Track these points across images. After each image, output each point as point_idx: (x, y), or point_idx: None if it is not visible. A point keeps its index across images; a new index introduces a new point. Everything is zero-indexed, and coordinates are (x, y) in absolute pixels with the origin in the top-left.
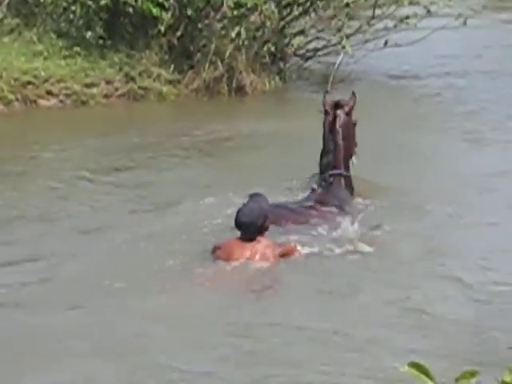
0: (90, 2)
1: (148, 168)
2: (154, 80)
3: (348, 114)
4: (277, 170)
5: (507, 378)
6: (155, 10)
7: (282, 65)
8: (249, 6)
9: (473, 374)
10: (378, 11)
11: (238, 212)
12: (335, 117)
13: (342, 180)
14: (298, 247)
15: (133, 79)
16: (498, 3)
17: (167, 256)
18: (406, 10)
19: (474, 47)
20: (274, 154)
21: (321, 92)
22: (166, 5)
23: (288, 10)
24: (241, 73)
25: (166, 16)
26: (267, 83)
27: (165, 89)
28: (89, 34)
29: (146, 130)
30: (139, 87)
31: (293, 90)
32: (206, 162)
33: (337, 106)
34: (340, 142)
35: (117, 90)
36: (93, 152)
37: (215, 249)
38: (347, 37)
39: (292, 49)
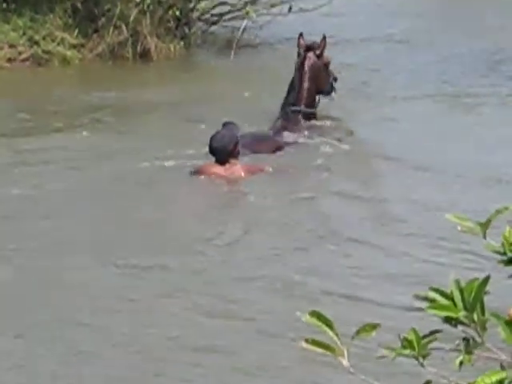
0: None
1: (49, 133)
2: (58, 44)
3: (319, 56)
4: (180, 135)
5: (410, 337)
6: None
7: (186, 30)
8: None
9: (374, 326)
10: None
11: (211, 139)
12: (305, 58)
13: (300, 116)
14: (267, 168)
15: (36, 43)
16: None
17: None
18: None
19: (379, 14)
20: (178, 119)
21: (225, 57)
22: None
23: None
24: (145, 37)
25: None
26: (172, 48)
27: (69, 53)
28: None
29: (49, 95)
30: (43, 51)
31: (197, 55)
32: (107, 128)
33: (308, 48)
34: (305, 82)
35: (20, 54)
36: None
37: (194, 172)
38: (252, 2)
39: (197, 13)
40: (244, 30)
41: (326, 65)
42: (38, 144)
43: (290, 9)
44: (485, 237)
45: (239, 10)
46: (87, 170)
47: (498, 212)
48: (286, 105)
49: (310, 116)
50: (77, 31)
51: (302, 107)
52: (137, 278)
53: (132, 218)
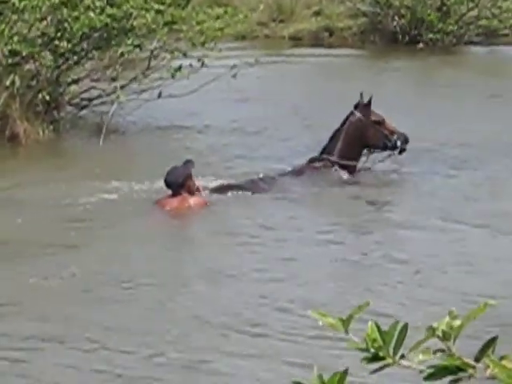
0: None
1: None
2: None
3: (365, 114)
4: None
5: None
6: None
7: (56, 114)
8: (24, 54)
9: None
10: (153, 62)
11: (166, 173)
12: (351, 113)
13: (330, 165)
14: (207, 201)
15: None
16: (270, 58)
17: None
18: (181, 61)
19: (248, 99)
20: (47, 204)
21: (94, 142)
22: None
23: (63, 58)
24: (15, 121)
25: None
26: (41, 132)
27: None
28: None
29: None
30: None
31: (66, 139)
32: None
33: (356, 106)
34: (343, 134)
35: None
36: None
37: (154, 203)
38: (122, 87)
39: (66, 98)
40: (113, 115)
41: (378, 122)
42: None
43: (160, 94)
44: (347, 332)
45: (108, 94)
46: None
47: (361, 308)
48: (321, 151)
49: (346, 167)
50: None
51: (334, 158)
52: None
53: None
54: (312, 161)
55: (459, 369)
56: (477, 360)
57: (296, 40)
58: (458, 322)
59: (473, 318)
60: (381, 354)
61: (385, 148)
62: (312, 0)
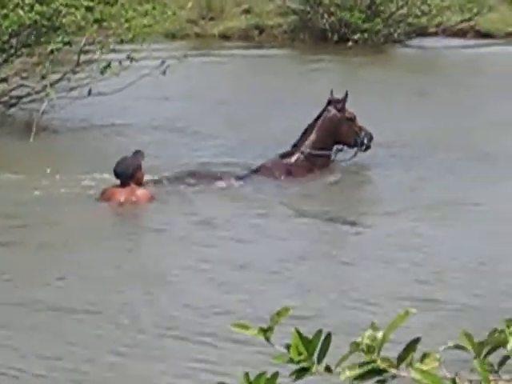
0: None
1: None
2: None
3: (339, 110)
4: None
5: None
6: None
7: None
8: None
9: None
10: (83, 58)
11: (116, 163)
12: (324, 110)
13: (301, 156)
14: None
15: None
16: (199, 55)
17: None
18: (110, 57)
19: (181, 96)
20: None
21: (24, 140)
22: None
23: None
24: None
25: None
26: None
27: None
28: None
29: None
30: None
31: None
32: None
33: (330, 102)
34: (315, 130)
35: None
36: None
37: (101, 193)
38: (51, 84)
39: None
40: (43, 112)
41: (350, 119)
42: None
43: (90, 92)
44: (268, 340)
45: (38, 92)
46: None
47: (280, 315)
48: (292, 146)
49: (317, 162)
50: None
51: (307, 150)
52: None
53: None
54: (283, 156)
55: (384, 370)
56: (399, 361)
57: (226, 38)
58: (380, 334)
59: (394, 328)
60: (304, 364)
61: (354, 145)
62: None
